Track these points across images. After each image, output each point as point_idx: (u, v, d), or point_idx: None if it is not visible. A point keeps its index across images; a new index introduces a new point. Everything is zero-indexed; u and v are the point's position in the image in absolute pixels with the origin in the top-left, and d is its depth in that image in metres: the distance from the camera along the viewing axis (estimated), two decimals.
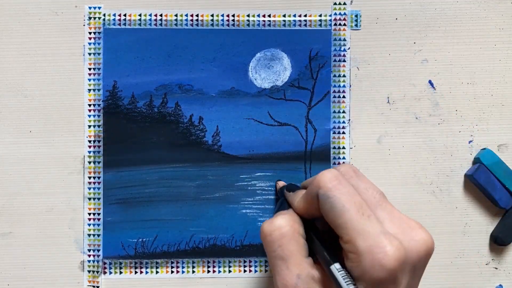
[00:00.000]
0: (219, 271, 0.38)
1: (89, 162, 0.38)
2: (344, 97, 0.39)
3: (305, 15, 0.39)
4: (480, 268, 0.39)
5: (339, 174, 0.30)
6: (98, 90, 0.38)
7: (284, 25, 0.39)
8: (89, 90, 0.38)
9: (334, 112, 0.39)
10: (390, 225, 0.29)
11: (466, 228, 0.39)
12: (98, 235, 0.38)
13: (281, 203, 0.35)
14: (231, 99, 0.39)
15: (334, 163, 0.39)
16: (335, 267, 0.29)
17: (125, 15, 0.38)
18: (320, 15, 0.39)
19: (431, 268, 0.37)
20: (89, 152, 0.38)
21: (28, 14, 0.38)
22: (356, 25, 0.39)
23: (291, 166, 0.39)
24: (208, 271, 0.38)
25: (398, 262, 0.27)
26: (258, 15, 0.39)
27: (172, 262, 0.38)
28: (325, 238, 0.31)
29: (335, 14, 0.39)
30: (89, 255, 0.38)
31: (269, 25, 0.39)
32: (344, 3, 0.39)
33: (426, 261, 0.29)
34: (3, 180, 0.38)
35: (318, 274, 0.30)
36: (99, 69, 0.38)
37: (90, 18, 0.38)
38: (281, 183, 0.38)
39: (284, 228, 0.31)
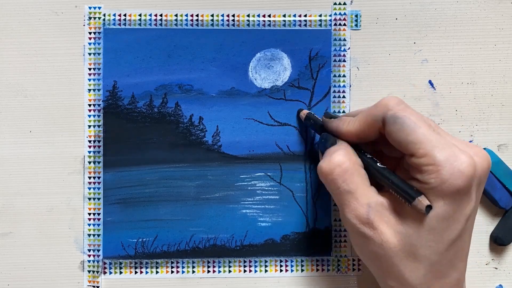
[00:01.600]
0: (219, 271, 0.38)
1: (89, 162, 0.38)
2: (344, 97, 0.39)
3: (305, 15, 0.39)
4: (480, 268, 0.39)
5: (401, 99, 0.31)
6: (98, 90, 0.38)
7: (284, 25, 0.39)
8: (89, 90, 0.38)
9: (334, 112, 0.39)
10: (453, 142, 0.30)
11: None
12: (98, 235, 0.38)
13: (326, 138, 0.34)
14: (231, 99, 0.39)
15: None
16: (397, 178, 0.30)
17: (125, 15, 0.38)
18: (320, 15, 0.39)
19: None
20: (89, 152, 0.38)
21: (28, 14, 0.38)
22: (356, 25, 0.39)
23: (291, 166, 0.39)
24: (208, 271, 0.38)
25: (473, 169, 0.29)
26: (258, 15, 0.39)
27: (172, 262, 0.38)
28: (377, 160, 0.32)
29: (335, 14, 0.39)
30: (89, 255, 0.38)
31: (269, 25, 0.39)
32: (344, 3, 0.39)
33: (487, 176, 0.31)
34: (3, 180, 0.38)
35: (386, 200, 0.31)
36: (99, 69, 0.38)
37: (90, 18, 0.38)
38: (305, 111, 0.38)
39: (344, 164, 0.32)
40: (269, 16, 0.39)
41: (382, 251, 0.31)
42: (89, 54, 0.38)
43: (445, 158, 0.29)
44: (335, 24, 0.39)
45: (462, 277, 0.31)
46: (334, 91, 0.39)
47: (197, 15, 0.39)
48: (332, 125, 0.34)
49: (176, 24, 0.39)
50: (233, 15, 0.39)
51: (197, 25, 0.39)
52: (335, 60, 0.39)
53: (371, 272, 0.33)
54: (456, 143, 0.31)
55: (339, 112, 0.39)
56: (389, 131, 0.31)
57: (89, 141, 0.38)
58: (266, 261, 0.39)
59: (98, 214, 0.38)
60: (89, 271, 0.38)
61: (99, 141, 0.38)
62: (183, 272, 0.38)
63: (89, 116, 0.38)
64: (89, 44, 0.38)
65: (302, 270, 0.39)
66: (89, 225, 0.38)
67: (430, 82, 0.39)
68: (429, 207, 0.29)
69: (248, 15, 0.39)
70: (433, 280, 0.30)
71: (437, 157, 0.29)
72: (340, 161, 0.32)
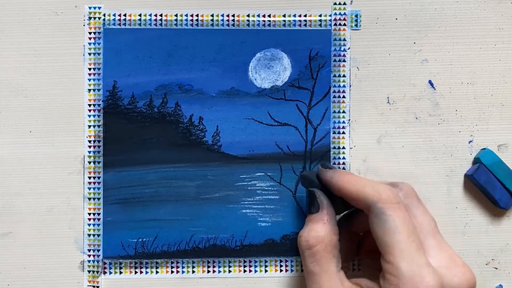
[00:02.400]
0: (219, 271, 0.38)
1: (89, 162, 0.38)
2: (344, 97, 0.39)
3: (305, 15, 0.39)
4: (480, 268, 0.39)
5: (399, 197, 0.31)
6: (98, 90, 0.38)
7: (284, 25, 0.39)
8: (89, 90, 0.38)
9: (334, 112, 0.39)
10: (437, 257, 0.30)
11: (466, 228, 0.39)
12: (98, 235, 0.38)
13: (312, 199, 0.34)
14: (231, 99, 0.39)
15: (334, 163, 0.39)
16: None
17: (125, 15, 0.38)
18: (320, 15, 0.39)
19: None
20: (89, 152, 0.38)
21: (28, 14, 0.38)
22: (356, 25, 0.39)
23: (291, 166, 0.39)
24: (208, 271, 0.38)
25: None
26: (258, 15, 0.39)
27: (172, 262, 0.38)
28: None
29: (335, 14, 0.39)
30: (89, 255, 0.38)
31: (269, 25, 0.39)
32: (344, 3, 0.39)
33: None
34: (3, 180, 0.38)
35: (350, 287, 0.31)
36: (99, 69, 0.38)
37: (90, 18, 0.38)
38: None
39: (318, 246, 0.31)
40: (269, 16, 0.39)
41: None
42: (89, 54, 0.38)
43: (408, 275, 0.28)
44: (335, 24, 0.39)
45: None
46: (334, 91, 0.39)
47: (197, 15, 0.39)
48: (326, 176, 0.34)
49: (176, 24, 0.39)
50: (233, 15, 0.39)
51: (197, 25, 0.39)
52: (335, 60, 0.39)
53: None
54: (439, 260, 0.30)
55: (339, 112, 0.39)
56: (371, 221, 0.31)
57: (89, 141, 0.38)
58: (266, 261, 0.39)
59: (98, 214, 0.38)
60: (89, 271, 0.38)
61: (99, 141, 0.38)
62: (183, 272, 0.38)
63: (89, 116, 0.38)
64: (89, 44, 0.38)
65: (302, 270, 0.39)
66: (89, 225, 0.38)
67: (430, 82, 0.39)
68: None
69: (248, 15, 0.39)
70: None
71: (401, 271, 0.28)
72: (314, 242, 0.31)
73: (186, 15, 0.39)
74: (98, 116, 0.38)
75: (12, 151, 0.38)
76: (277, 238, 0.38)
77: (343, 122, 0.39)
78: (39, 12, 0.38)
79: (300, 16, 0.39)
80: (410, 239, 0.29)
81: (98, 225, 0.38)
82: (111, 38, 0.38)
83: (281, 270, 0.39)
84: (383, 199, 0.30)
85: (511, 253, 0.39)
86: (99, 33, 0.38)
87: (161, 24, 0.39)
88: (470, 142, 0.39)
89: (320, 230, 0.32)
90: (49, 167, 0.38)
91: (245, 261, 0.39)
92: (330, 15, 0.39)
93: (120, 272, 0.38)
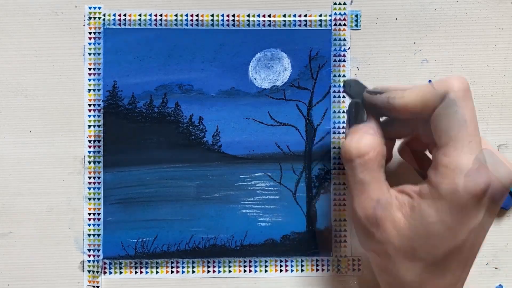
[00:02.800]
0: (219, 271, 0.38)
1: (89, 162, 0.38)
2: (344, 97, 0.39)
3: (305, 15, 0.39)
4: (480, 268, 0.39)
5: (469, 88, 0.29)
6: (98, 90, 0.38)
7: (284, 25, 0.39)
8: (89, 90, 0.38)
9: (334, 112, 0.39)
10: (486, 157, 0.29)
11: None
12: (98, 235, 0.38)
13: (357, 109, 0.32)
14: (231, 99, 0.39)
15: (334, 163, 0.39)
16: None
17: (125, 15, 0.38)
18: (320, 15, 0.39)
19: None
20: (89, 152, 0.38)
21: (28, 14, 0.38)
22: (356, 25, 0.39)
23: (291, 166, 0.39)
24: (208, 271, 0.38)
25: (485, 189, 0.28)
26: (258, 15, 0.39)
27: (172, 262, 0.38)
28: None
29: (335, 14, 0.39)
30: (89, 255, 0.38)
31: (269, 25, 0.39)
32: (344, 3, 0.39)
33: (504, 198, 0.29)
34: (3, 180, 0.38)
35: (396, 200, 0.30)
36: (99, 69, 0.38)
37: (90, 18, 0.38)
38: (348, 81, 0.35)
39: (369, 154, 0.31)
40: (269, 16, 0.39)
41: (382, 248, 0.31)
42: (89, 54, 0.38)
43: (466, 168, 0.28)
44: (335, 24, 0.39)
45: (459, 283, 0.31)
46: (334, 91, 0.39)
47: (197, 15, 0.39)
48: (381, 100, 0.31)
49: (176, 24, 0.39)
50: (233, 15, 0.39)
51: (197, 25, 0.39)
52: (335, 60, 0.39)
53: (370, 261, 0.34)
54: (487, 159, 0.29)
55: (339, 112, 0.39)
56: (438, 112, 0.29)
57: (89, 141, 0.38)
58: (266, 261, 0.39)
59: (98, 214, 0.38)
60: (89, 271, 0.38)
61: (99, 141, 0.38)
62: (183, 272, 0.38)
63: (89, 116, 0.38)
64: (89, 44, 0.38)
65: (302, 270, 0.39)
66: (89, 225, 0.38)
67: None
68: None
69: (248, 15, 0.39)
70: (426, 279, 0.30)
71: (460, 165, 0.28)
72: (366, 150, 0.30)
73: (186, 15, 0.39)
74: (98, 116, 0.38)
75: (12, 151, 0.38)
76: (277, 238, 0.39)
77: (343, 122, 0.39)
78: (39, 12, 0.38)
79: (300, 16, 0.39)
80: (475, 134, 0.28)
81: (98, 225, 0.38)
82: (111, 38, 0.38)
83: (281, 270, 0.39)
84: (456, 88, 0.29)
85: (511, 253, 0.39)
86: (99, 33, 0.38)
87: (161, 24, 0.39)
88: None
89: (371, 138, 0.31)
90: (49, 167, 0.38)
91: (245, 261, 0.39)
92: (330, 15, 0.39)
93: (120, 272, 0.38)
